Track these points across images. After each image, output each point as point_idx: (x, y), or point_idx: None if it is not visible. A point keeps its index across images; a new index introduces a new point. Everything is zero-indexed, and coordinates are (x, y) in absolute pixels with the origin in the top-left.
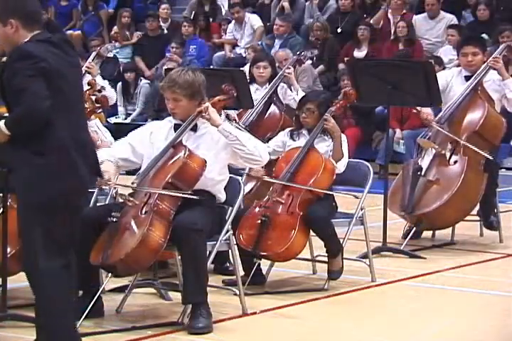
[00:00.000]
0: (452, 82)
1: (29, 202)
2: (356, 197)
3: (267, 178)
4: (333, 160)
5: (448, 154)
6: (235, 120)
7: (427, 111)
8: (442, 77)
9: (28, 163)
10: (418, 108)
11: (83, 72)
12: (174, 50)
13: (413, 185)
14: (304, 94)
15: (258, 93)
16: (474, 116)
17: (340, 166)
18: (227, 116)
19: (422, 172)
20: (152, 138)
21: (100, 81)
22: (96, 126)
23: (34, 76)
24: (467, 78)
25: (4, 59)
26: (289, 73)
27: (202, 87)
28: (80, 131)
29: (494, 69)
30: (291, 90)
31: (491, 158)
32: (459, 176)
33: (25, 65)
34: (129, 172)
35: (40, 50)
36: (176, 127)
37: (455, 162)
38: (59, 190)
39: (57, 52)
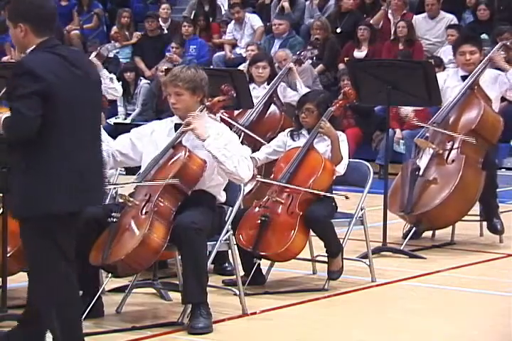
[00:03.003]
0: (448, 83)
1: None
2: (347, 198)
3: (259, 178)
4: (333, 163)
5: (445, 153)
6: (229, 121)
7: (406, 110)
8: (439, 79)
9: (13, 179)
10: (399, 108)
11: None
12: (174, 50)
13: (411, 185)
14: (308, 89)
15: (255, 92)
16: (471, 114)
17: (340, 169)
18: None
19: (420, 172)
20: (153, 137)
21: (107, 74)
22: None
23: (27, 96)
24: (464, 78)
25: (4, 58)
26: (291, 68)
27: (204, 83)
28: (79, 154)
29: (494, 62)
30: (290, 88)
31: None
32: (457, 175)
33: (25, 82)
34: (129, 173)
35: (42, 67)
36: (177, 127)
37: (453, 161)
38: (37, 209)
39: (63, 65)
